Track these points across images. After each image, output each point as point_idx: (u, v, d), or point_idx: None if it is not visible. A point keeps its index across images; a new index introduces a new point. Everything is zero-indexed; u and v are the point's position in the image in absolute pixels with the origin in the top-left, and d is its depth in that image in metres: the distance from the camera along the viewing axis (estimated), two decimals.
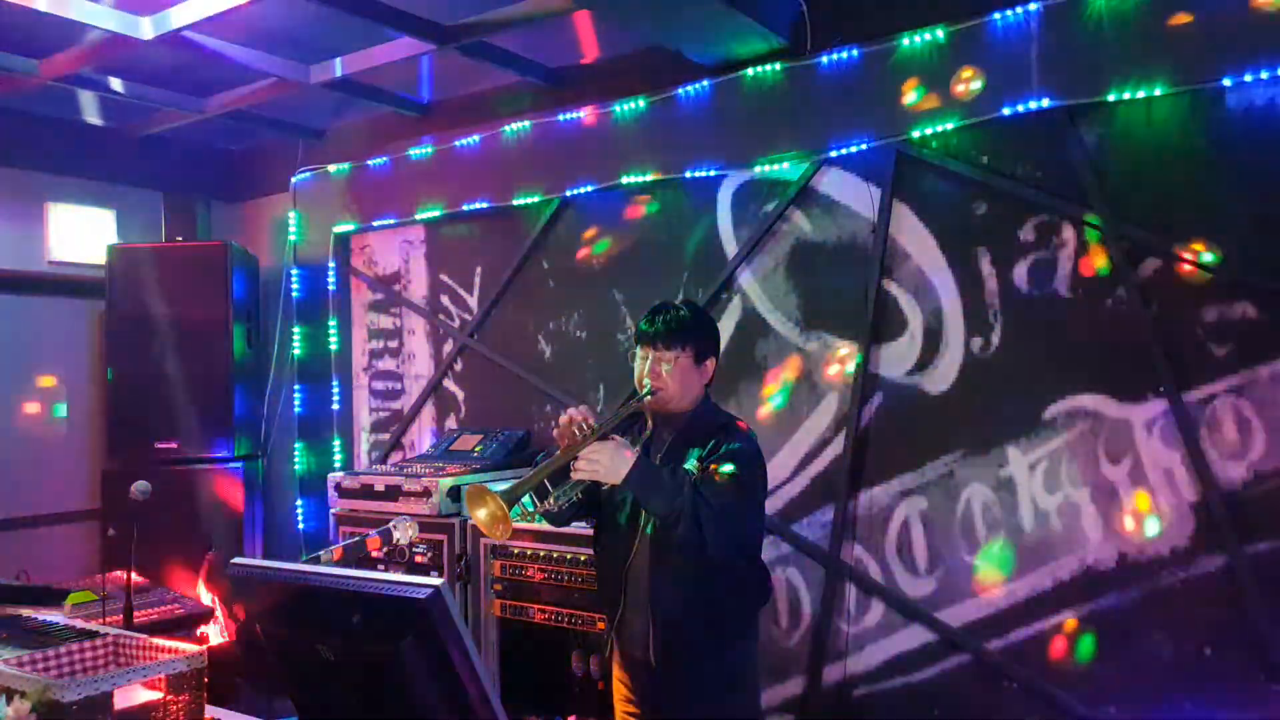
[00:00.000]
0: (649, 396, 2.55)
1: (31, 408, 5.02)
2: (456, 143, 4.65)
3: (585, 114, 4.22)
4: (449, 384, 4.83)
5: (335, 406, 5.16)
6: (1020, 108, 3.22)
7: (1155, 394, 3.05)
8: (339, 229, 5.13)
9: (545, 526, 3.65)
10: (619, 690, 2.71)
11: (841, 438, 3.62)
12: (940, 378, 3.45)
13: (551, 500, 2.45)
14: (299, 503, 5.20)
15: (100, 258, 5.01)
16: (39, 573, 4.01)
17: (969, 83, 3.33)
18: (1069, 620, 3.18)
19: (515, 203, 4.47)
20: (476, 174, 4.58)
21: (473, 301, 4.73)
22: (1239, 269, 2.92)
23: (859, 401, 3.57)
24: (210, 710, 2.03)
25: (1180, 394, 3.00)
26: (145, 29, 3.81)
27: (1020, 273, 3.30)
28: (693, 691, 2.52)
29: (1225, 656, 2.93)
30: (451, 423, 4.80)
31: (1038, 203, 3.25)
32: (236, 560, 1.81)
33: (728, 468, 2.45)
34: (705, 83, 3.89)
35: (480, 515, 2.35)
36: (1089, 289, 3.18)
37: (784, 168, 3.76)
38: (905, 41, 3.43)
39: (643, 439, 2.60)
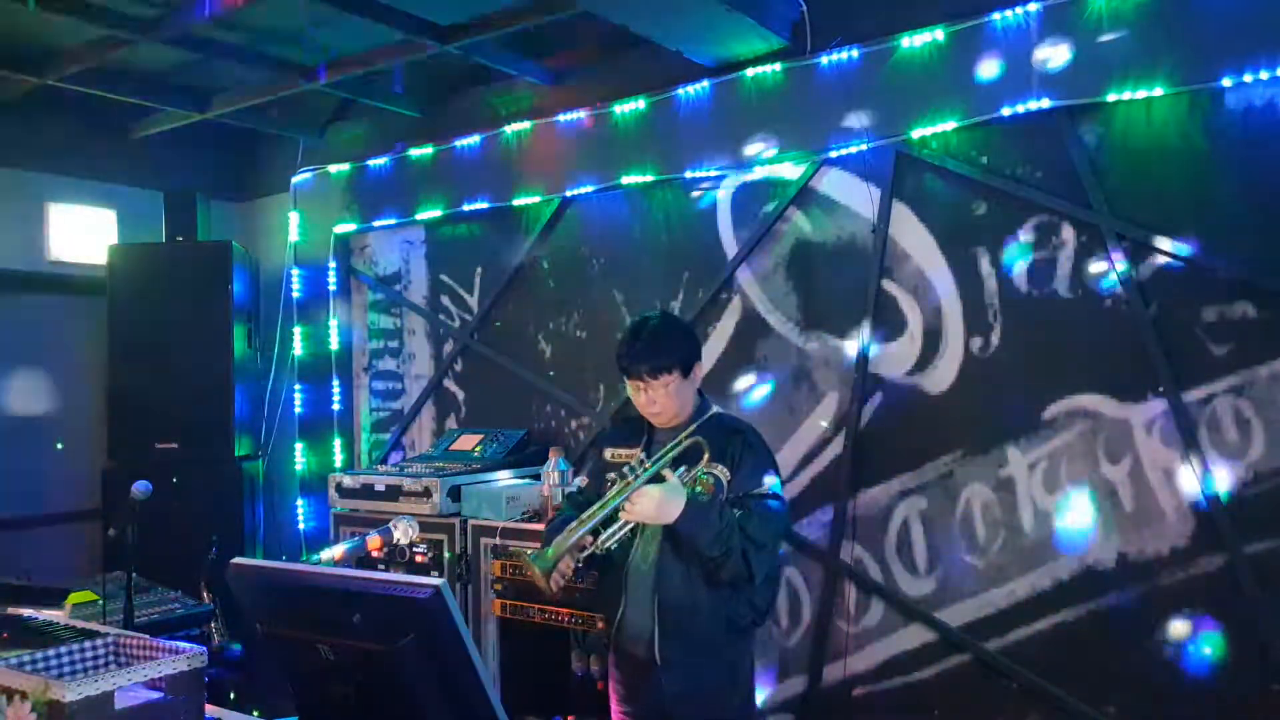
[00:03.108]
0: (653, 421, 2.63)
1: (31, 407, 5.01)
2: (456, 143, 4.65)
3: (585, 114, 4.22)
4: (449, 384, 4.83)
5: (335, 406, 5.16)
6: (1020, 108, 3.22)
7: (1155, 394, 3.05)
8: (339, 229, 5.13)
9: (544, 526, 3.67)
10: (615, 690, 2.71)
11: (841, 438, 3.62)
12: (940, 378, 3.45)
13: (600, 542, 2.45)
14: (299, 503, 5.20)
15: (100, 258, 5.00)
16: (39, 573, 4.00)
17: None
18: (1069, 620, 3.18)
19: (515, 203, 4.47)
20: (476, 174, 4.58)
21: (473, 301, 4.73)
22: (1239, 269, 2.92)
23: (859, 401, 3.57)
24: (210, 710, 2.03)
25: (1180, 394, 3.00)
26: (145, 29, 3.81)
27: (1020, 273, 3.30)
28: (695, 690, 2.52)
29: (1225, 656, 2.93)
30: (451, 423, 4.80)
31: (1038, 203, 3.25)
32: (236, 560, 1.81)
33: (762, 489, 2.48)
34: (705, 83, 3.89)
35: (532, 575, 2.44)
36: (1089, 289, 3.18)
37: (784, 168, 3.76)
38: (905, 41, 3.42)
39: (644, 441, 2.62)
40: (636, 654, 2.58)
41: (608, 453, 2.73)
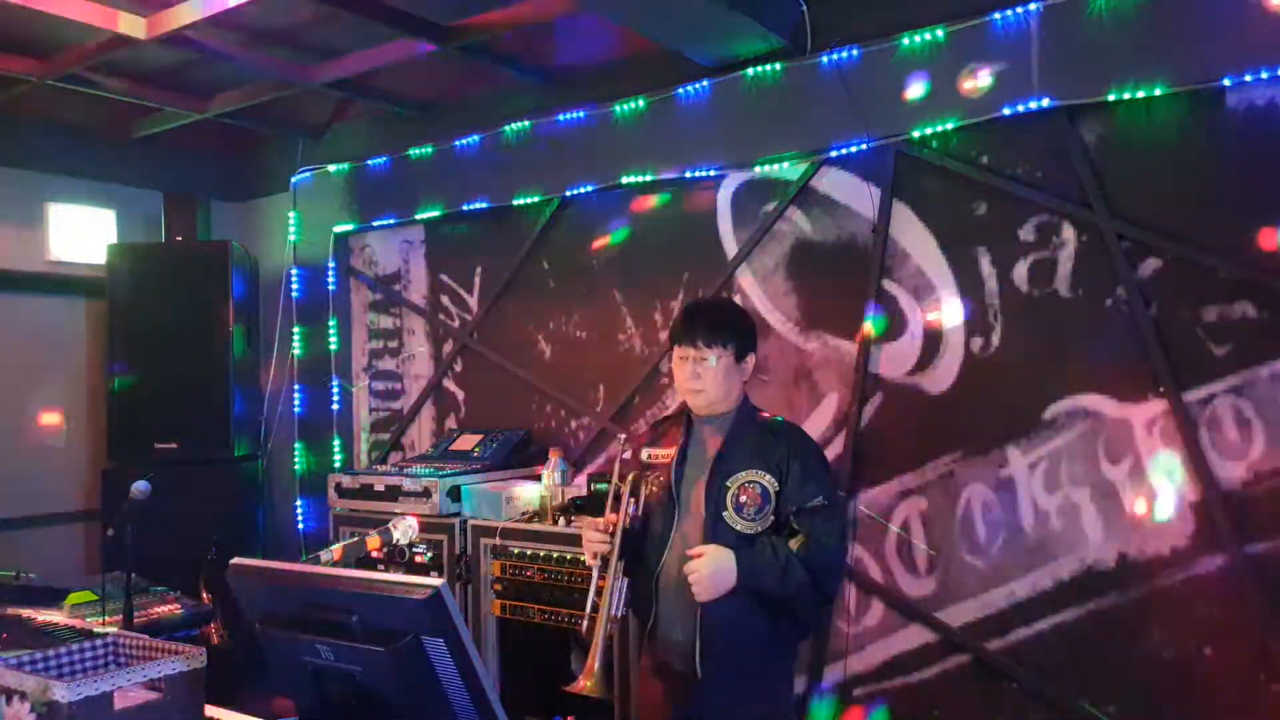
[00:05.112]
0: (692, 400, 2.57)
1: (31, 407, 5.01)
2: (456, 143, 4.65)
3: (585, 114, 4.22)
4: (449, 384, 4.83)
5: (335, 406, 5.16)
6: (1020, 108, 3.22)
7: (1155, 394, 3.05)
8: (339, 229, 5.13)
9: (543, 526, 3.67)
10: (646, 698, 2.66)
11: (841, 438, 3.62)
12: (940, 378, 3.45)
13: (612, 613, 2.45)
14: (299, 503, 5.20)
15: (100, 257, 5.01)
16: (39, 573, 4.00)
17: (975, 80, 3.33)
18: (1069, 620, 3.18)
19: (515, 203, 4.46)
20: (476, 174, 4.58)
21: (473, 301, 4.73)
22: (1239, 269, 2.92)
23: (859, 401, 3.57)
24: (210, 710, 2.03)
25: (1180, 394, 3.00)
26: (145, 29, 3.81)
27: (1020, 273, 3.30)
28: (735, 706, 2.46)
29: (1225, 656, 2.93)
30: (451, 423, 4.80)
31: (1038, 203, 3.25)
32: (236, 560, 1.81)
33: (817, 499, 2.44)
34: (705, 83, 3.88)
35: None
36: (1089, 289, 3.18)
37: (784, 168, 3.76)
38: (905, 41, 3.42)
39: (681, 442, 2.58)
40: (673, 666, 2.50)
41: (644, 453, 2.68)
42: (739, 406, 2.59)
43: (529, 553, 3.66)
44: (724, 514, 2.45)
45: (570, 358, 4.38)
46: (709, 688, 2.45)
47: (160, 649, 2.01)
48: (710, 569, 2.34)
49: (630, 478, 2.57)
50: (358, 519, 4.10)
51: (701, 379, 2.51)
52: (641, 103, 4.06)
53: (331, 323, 5.16)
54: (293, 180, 5.24)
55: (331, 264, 5.16)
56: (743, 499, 2.44)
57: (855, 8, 3.60)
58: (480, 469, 4.12)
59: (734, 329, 2.56)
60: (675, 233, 4.06)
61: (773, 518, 2.46)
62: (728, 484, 2.46)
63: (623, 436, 2.72)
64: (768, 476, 2.45)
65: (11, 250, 4.94)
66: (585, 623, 2.47)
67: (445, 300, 4.84)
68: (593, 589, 2.48)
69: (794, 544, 2.40)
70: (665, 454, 2.59)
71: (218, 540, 4.40)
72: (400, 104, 4.82)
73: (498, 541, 3.73)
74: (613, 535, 2.46)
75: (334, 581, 1.69)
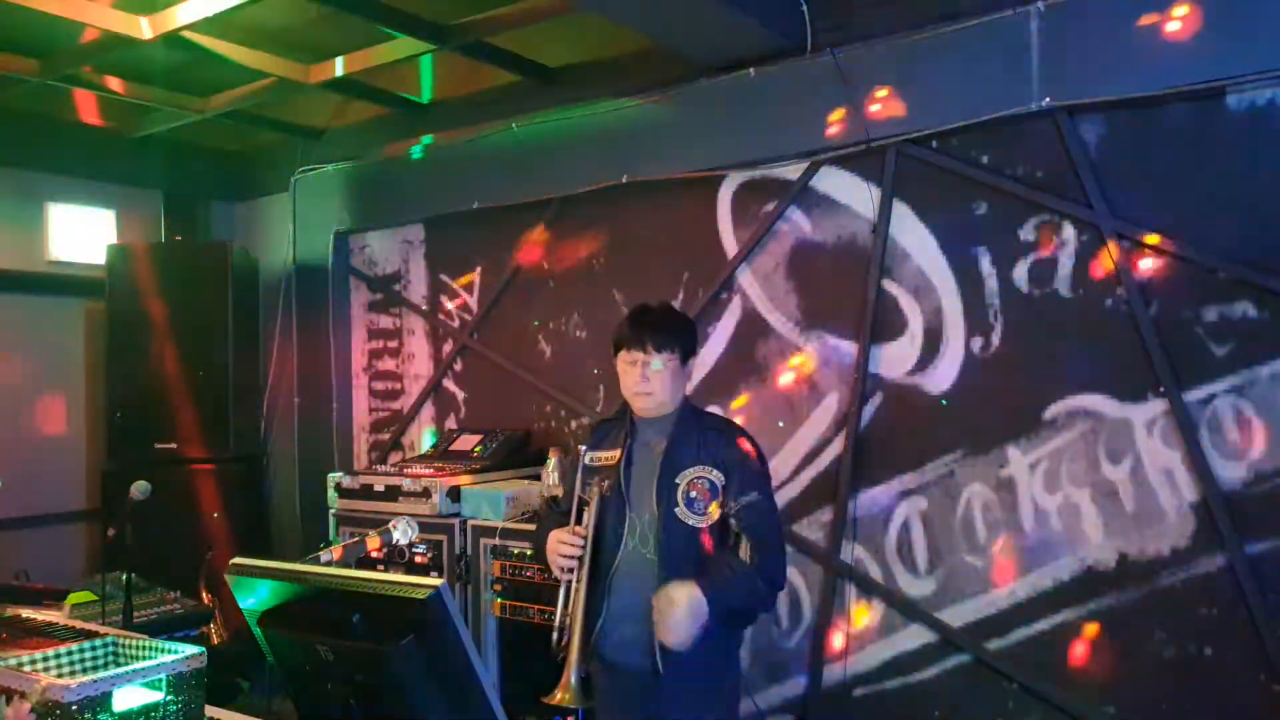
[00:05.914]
0: (640, 403, 2.61)
1: (31, 407, 5.01)
2: (456, 142, 4.64)
3: (586, 114, 4.22)
4: (449, 384, 4.83)
5: (334, 406, 5.16)
6: (1020, 108, 3.22)
7: (1155, 394, 3.05)
8: (338, 229, 5.13)
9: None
10: (597, 702, 2.66)
11: (841, 438, 3.62)
12: (940, 378, 3.45)
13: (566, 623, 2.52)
14: (298, 503, 5.19)
15: (100, 257, 5.01)
16: (39, 573, 4.01)
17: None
18: (1069, 620, 3.18)
19: (515, 203, 4.46)
20: (476, 174, 4.58)
21: (473, 301, 4.73)
22: (1239, 269, 2.92)
23: (859, 401, 3.57)
24: (210, 710, 2.03)
25: (1180, 394, 3.00)
26: (145, 29, 3.81)
27: (1020, 273, 3.30)
28: (689, 695, 2.48)
29: (1225, 656, 2.93)
30: (451, 423, 4.79)
31: (1038, 203, 3.25)
32: (236, 560, 1.81)
33: (751, 496, 2.50)
34: (705, 82, 3.88)
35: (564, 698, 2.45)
36: (1089, 289, 3.18)
37: (784, 168, 3.76)
38: (905, 41, 3.42)
39: (625, 443, 2.62)
40: (629, 664, 2.53)
41: (587, 456, 2.71)
42: (681, 407, 2.65)
43: (529, 553, 3.65)
44: (676, 510, 2.50)
45: (570, 358, 4.38)
46: (669, 681, 2.47)
47: (160, 649, 2.01)
48: (687, 617, 2.34)
49: (593, 487, 2.60)
50: (357, 519, 4.10)
51: (650, 382, 2.57)
52: (641, 103, 4.05)
53: (331, 322, 5.16)
54: (293, 180, 5.24)
55: (331, 264, 5.16)
56: (693, 494, 2.50)
57: (855, 8, 3.60)
58: (480, 469, 4.12)
59: (681, 334, 2.64)
60: (675, 233, 4.06)
61: (720, 511, 2.52)
62: (677, 480, 2.52)
63: (583, 447, 2.74)
64: (714, 471, 2.52)
65: (11, 250, 4.94)
66: (556, 634, 2.51)
67: (445, 300, 4.84)
68: (561, 600, 2.54)
69: (742, 552, 2.48)
70: (610, 456, 2.64)
71: (217, 540, 4.41)
72: (400, 104, 4.81)
73: (498, 541, 3.73)
74: (583, 547, 2.50)
75: (334, 581, 1.68)
